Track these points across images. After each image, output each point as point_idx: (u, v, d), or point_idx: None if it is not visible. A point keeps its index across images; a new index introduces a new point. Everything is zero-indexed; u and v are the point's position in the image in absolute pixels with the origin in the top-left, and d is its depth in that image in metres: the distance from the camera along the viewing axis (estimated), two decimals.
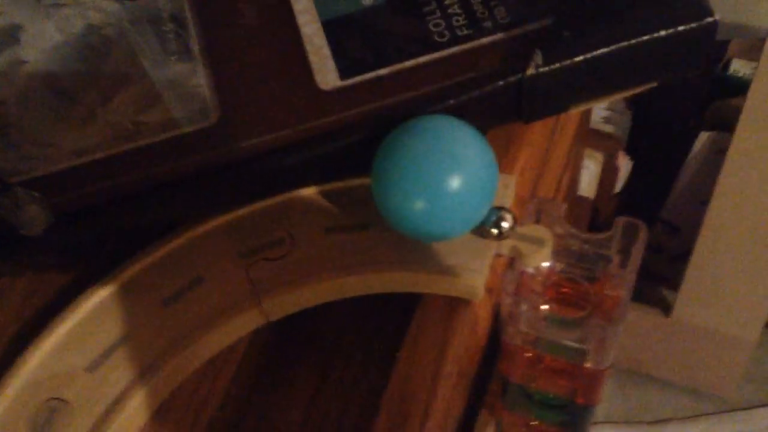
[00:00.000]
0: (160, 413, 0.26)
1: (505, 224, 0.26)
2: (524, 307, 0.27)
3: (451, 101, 0.27)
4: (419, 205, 0.24)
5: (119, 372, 0.25)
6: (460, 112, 0.28)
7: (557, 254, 0.29)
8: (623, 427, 0.81)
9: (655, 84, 0.28)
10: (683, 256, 0.78)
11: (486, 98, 0.27)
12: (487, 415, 0.37)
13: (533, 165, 0.32)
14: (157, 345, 0.25)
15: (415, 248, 0.26)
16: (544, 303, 0.29)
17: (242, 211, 0.28)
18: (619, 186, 0.82)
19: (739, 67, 0.78)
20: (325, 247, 0.27)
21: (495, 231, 0.26)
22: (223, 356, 0.27)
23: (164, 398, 0.26)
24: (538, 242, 0.26)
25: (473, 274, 0.26)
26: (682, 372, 0.85)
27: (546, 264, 0.28)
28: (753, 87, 0.65)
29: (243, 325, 0.26)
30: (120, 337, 0.26)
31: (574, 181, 0.64)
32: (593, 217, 0.78)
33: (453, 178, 0.23)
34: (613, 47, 0.26)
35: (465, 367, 0.27)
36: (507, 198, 0.28)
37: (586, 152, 0.77)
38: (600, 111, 0.82)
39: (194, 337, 0.25)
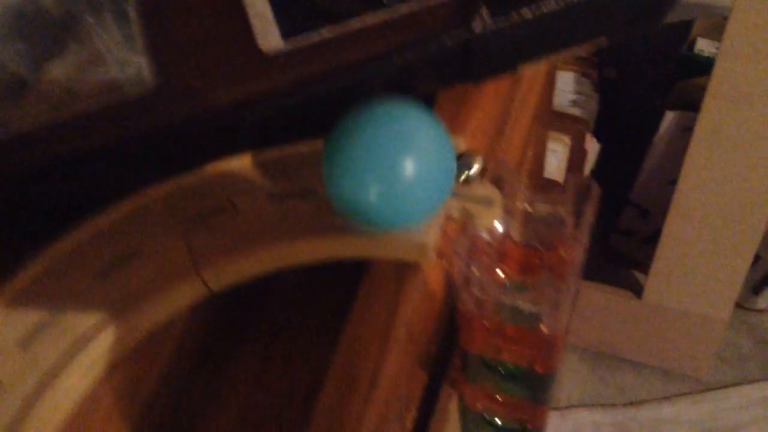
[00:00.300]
0: (97, 388, 0.25)
1: (475, 166, 0.25)
2: (476, 270, 0.26)
3: (398, 61, 0.26)
4: (372, 193, 0.23)
5: (52, 348, 0.24)
6: (407, 73, 0.27)
7: (511, 218, 0.28)
8: (598, 410, 0.80)
9: (605, 40, 0.27)
10: (653, 238, 0.78)
11: (434, 57, 0.26)
12: (449, 390, 0.36)
13: (486, 130, 0.31)
14: (92, 318, 0.24)
15: None
16: (499, 269, 0.28)
17: (183, 180, 0.27)
18: (587, 169, 0.82)
19: (703, 46, 0.78)
20: (268, 214, 0.26)
21: (461, 177, 0.25)
22: (164, 330, 0.26)
23: (101, 373, 0.25)
24: (487, 201, 0.25)
25: (422, 236, 0.25)
26: (655, 353, 0.85)
27: (499, 228, 0.27)
28: (717, 65, 0.65)
29: (183, 296, 0.25)
30: (54, 312, 0.24)
31: (539, 161, 0.63)
32: None
33: (407, 163, 0.22)
34: (561, 1, 0.26)
35: (416, 332, 0.26)
36: None
37: (554, 135, 0.76)
38: (567, 94, 0.82)
39: (131, 309, 0.24)
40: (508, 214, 0.27)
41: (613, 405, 0.81)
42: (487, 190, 0.25)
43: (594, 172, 0.81)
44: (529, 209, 0.28)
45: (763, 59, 0.63)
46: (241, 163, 0.27)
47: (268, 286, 0.27)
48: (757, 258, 0.82)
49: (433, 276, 0.26)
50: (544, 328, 0.27)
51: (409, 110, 0.24)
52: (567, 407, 0.80)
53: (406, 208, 0.23)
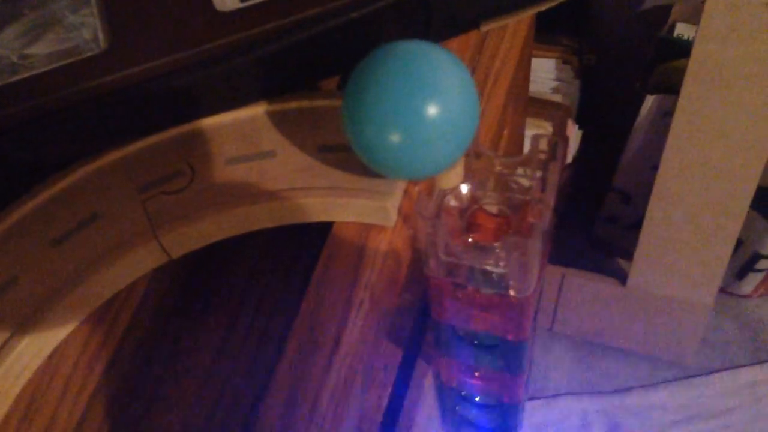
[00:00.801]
0: (52, 360, 0.24)
1: None
2: (442, 233, 0.25)
3: (354, 15, 0.25)
4: (395, 138, 0.21)
5: (7, 315, 0.23)
6: (365, 27, 0.26)
7: (479, 184, 0.27)
8: (585, 398, 0.80)
9: None
10: (637, 224, 0.77)
11: (392, 11, 0.26)
12: (424, 367, 0.36)
13: None
14: (47, 285, 0.24)
15: (323, 174, 0.25)
16: (467, 235, 0.27)
17: (139, 144, 0.26)
18: (570, 156, 0.82)
19: (683, 30, 0.78)
20: (227, 177, 0.25)
21: None
22: (124, 297, 0.25)
23: (57, 343, 0.24)
24: None
25: (384, 196, 0.24)
26: (641, 340, 0.84)
27: (464, 190, 0.27)
28: (695, 48, 0.64)
29: (141, 261, 0.24)
30: (8, 280, 0.24)
31: (519, 147, 0.63)
32: None
33: (430, 107, 0.21)
34: None
35: (381, 296, 0.25)
36: None
37: (535, 122, 0.76)
38: (548, 81, 0.81)
39: (87, 275, 0.24)
40: (479, 180, 0.27)
41: (600, 392, 0.81)
42: None
43: (576, 159, 0.81)
44: (496, 169, 0.28)
45: (741, 42, 0.63)
46: (199, 127, 0.26)
47: (231, 252, 0.27)
48: (740, 243, 0.82)
49: (398, 240, 0.26)
50: (512, 292, 0.27)
51: (432, 53, 0.22)
52: (554, 396, 0.80)
53: (430, 155, 0.22)
